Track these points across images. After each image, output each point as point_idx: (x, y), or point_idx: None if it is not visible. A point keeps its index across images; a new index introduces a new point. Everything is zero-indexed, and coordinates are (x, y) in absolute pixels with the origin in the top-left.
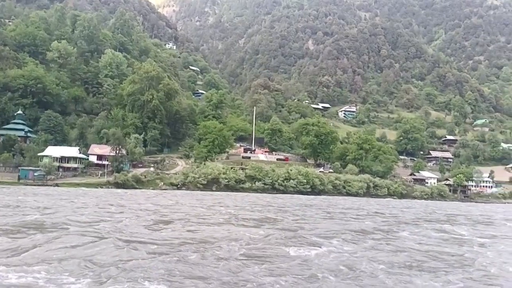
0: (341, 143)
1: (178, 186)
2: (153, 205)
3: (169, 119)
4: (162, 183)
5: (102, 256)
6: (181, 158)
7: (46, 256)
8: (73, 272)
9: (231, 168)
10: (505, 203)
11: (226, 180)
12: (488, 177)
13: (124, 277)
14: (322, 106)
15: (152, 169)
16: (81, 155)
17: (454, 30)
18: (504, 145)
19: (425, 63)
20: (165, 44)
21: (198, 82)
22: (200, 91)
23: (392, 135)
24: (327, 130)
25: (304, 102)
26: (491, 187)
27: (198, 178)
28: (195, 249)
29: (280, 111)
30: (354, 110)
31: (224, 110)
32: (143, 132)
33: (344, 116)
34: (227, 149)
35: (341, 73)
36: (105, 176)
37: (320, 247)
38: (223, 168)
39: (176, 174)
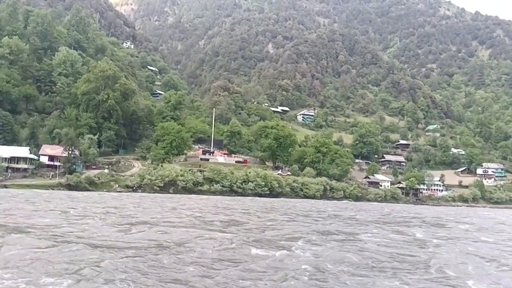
0: (299, 146)
1: (134, 188)
2: (115, 207)
3: (125, 120)
4: (117, 185)
5: (76, 259)
6: (137, 159)
7: (18, 259)
8: (50, 274)
9: (189, 170)
10: (454, 206)
11: (184, 183)
12: (439, 180)
13: (101, 279)
14: (281, 109)
15: (106, 170)
16: (32, 156)
17: (408, 38)
18: (454, 150)
19: (381, 70)
20: (122, 43)
21: (157, 83)
22: (159, 91)
23: (348, 139)
24: (286, 133)
25: (263, 105)
26: (442, 190)
27: (154, 180)
28: (168, 252)
29: (240, 113)
30: (313, 114)
31: (182, 112)
32: (98, 133)
33: (302, 120)
34: (185, 151)
35: (300, 77)
36: (57, 178)
37: (291, 249)
38: (181, 170)
39: (131, 176)
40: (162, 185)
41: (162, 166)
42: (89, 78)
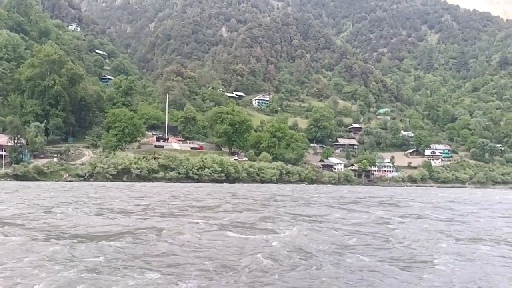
0: (255, 131)
1: (85, 177)
2: (82, 197)
3: (73, 106)
4: (67, 174)
5: (75, 247)
6: (88, 147)
7: (15, 249)
8: (57, 262)
9: (143, 157)
10: (404, 186)
11: (138, 170)
12: (389, 162)
13: (105, 266)
14: (237, 95)
15: (55, 159)
16: None
17: (360, 23)
18: (403, 133)
19: (334, 54)
20: (68, 26)
21: (106, 67)
22: (108, 76)
23: (303, 123)
24: (242, 119)
25: (218, 90)
26: (392, 171)
27: (107, 168)
28: (159, 237)
29: (194, 99)
30: (268, 99)
31: (134, 97)
32: (45, 120)
33: (258, 105)
34: (138, 138)
35: (254, 61)
36: (3, 168)
37: (270, 230)
38: (135, 158)
39: (82, 164)
40: (115, 173)
41: (114, 154)
42: (33, 63)
